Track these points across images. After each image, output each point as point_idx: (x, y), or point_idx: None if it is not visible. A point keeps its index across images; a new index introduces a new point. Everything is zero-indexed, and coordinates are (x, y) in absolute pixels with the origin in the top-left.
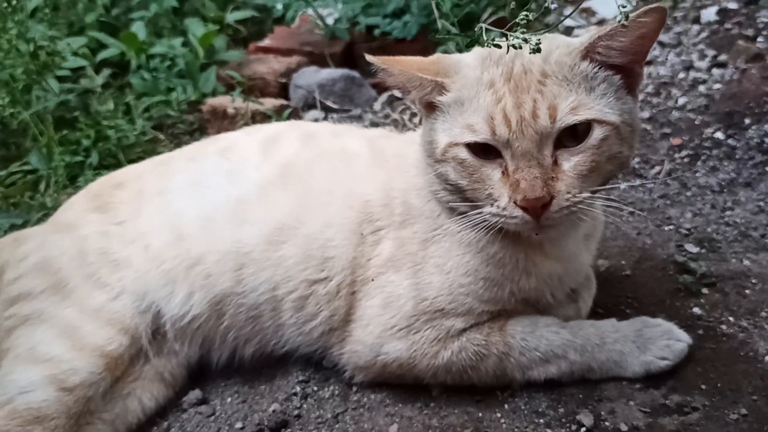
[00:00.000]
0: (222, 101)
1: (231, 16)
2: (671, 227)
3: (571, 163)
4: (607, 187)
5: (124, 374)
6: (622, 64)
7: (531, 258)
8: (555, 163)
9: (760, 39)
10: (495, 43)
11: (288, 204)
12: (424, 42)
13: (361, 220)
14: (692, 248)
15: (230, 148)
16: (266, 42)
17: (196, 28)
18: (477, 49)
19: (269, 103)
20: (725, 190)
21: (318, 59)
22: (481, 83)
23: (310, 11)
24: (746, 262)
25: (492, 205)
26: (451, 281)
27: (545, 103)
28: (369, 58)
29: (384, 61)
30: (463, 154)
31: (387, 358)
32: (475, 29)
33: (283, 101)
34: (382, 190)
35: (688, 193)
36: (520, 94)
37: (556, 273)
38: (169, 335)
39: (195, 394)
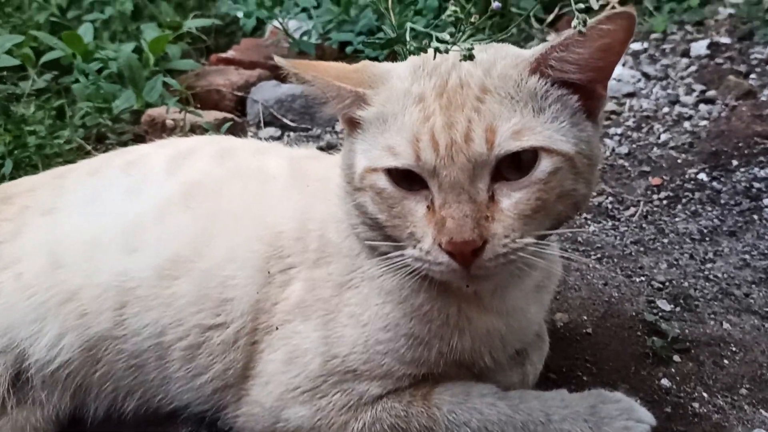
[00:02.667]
0: (162, 112)
1: (189, 23)
2: (643, 278)
3: (512, 200)
4: (558, 231)
5: None
6: (580, 82)
7: (465, 312)
8: (491, 199)
9: (752, 76)
10: (417, 46)
11: (187, 231)
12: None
13: (270, 255)
14: (665, 305)
15: (135, 163)
16: (230, 53)
17: (150, 33)
18: (412, 58)
19: (210, 115)
20: (707, 239)
21: (282, 74)
22: (409, 97)
23: (276, 24)
24: (726, 326)
25: (414, 246)
26: (367, 336)
27: (482, 125)
28: (278, 60)
29: (295, 65)
30: (382, 182)
31: (287, 425)
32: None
33: (227, 114)
34: (297, 220)
35: (665, 240)
36: (453, 111)
37: (497, 331)
38: (35, 382)
39: None
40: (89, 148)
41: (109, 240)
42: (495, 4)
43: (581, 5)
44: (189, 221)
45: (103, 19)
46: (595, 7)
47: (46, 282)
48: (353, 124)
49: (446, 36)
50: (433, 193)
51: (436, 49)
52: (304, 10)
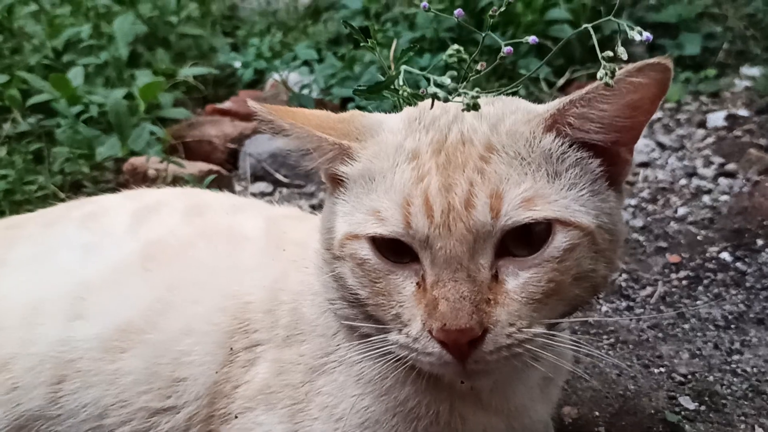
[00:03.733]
0: (144, 161)
1: (185, 71)
2: (662, 370)
3: (520, 280)
4: (574, 319)
5: None
6: (603, 144)
7: (459, 410)
8: (495, 278)
9: None
10: (413, 93)
11: (142, 297)
12: None
13: (234, 330)
14: (688, 403)
15: (96, 216)
16: (226, 104)
17: (144, 80)
18: (407, 109)
19: (195, 167)
20: (732, 327)
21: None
22: (401, 153)
23: (276, 76)
24: (759, 431)
25: (400, 331)
26: None
27: (486, 189)
28: (251, 104)
29: (271, 110)
30: (365, 251)
31: None
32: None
33: (213, 166)
34: (268, 290)
35: (686, 326)
36: (452, 172)
37: None
38: None
39: None
40: (63, 196)
41: (53, 303)
42: (506, 50)
43: (609, 53)
44: (145, 286)
45: (97, 64)
46: (624, 57)
47: None
48: (336, 182)
49: (447, 80)
50: (425, 267)
51: (434, 96)
52: (306, 63)
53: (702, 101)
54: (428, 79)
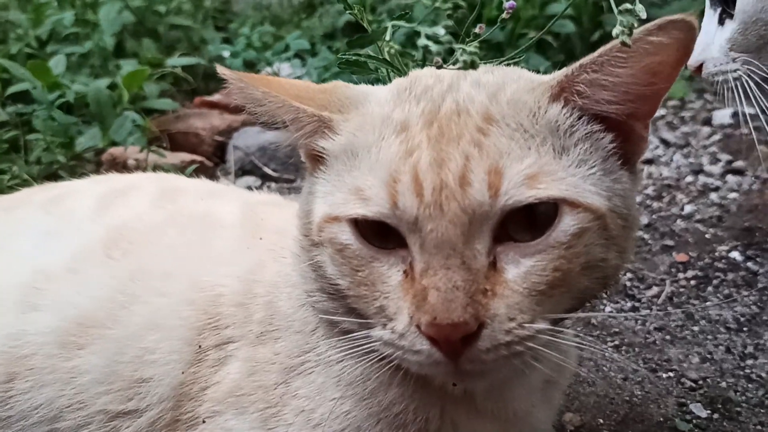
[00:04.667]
0: (123, 151)
1: (172, 61)
2: (671, 374)
3: (521, 269)
4: (580, 314)
5: None
6: (616, 116)
7: (451, 416)
8: (493, 266)
9: None
10: (400, 50)
11: (103, 288)
12: None
13: (203, 325)
14: (700, 411)
15: (60, 200)
16: (215, 97)
17: (129, 70)
18: (397, 80)
19: (176, 157)
20: (745, 330)
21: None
22: (389, 125)
23: (269, 69)
24: None
25: (384, 326)
26: None
27: (484, 164)
28: (221, 70)
29: (244, 77)
30: (346, 236)
31: None
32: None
33: (195, 157)
34: (242, 282)
35: (695, 328)
36: (445, 145)
37: None
38: None
39: None
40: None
41: (6, 293)
42: (508, 4)
43: (627, 5)
44: (107, 276)
45: (81, 53)
46: (643, 15)
47: None
48: (315, 160)
49: (440, 31)
50: (413, 254)
51: (426, 49)
52: (299, 56)
53: (706, 99)
54: (419, 33)
